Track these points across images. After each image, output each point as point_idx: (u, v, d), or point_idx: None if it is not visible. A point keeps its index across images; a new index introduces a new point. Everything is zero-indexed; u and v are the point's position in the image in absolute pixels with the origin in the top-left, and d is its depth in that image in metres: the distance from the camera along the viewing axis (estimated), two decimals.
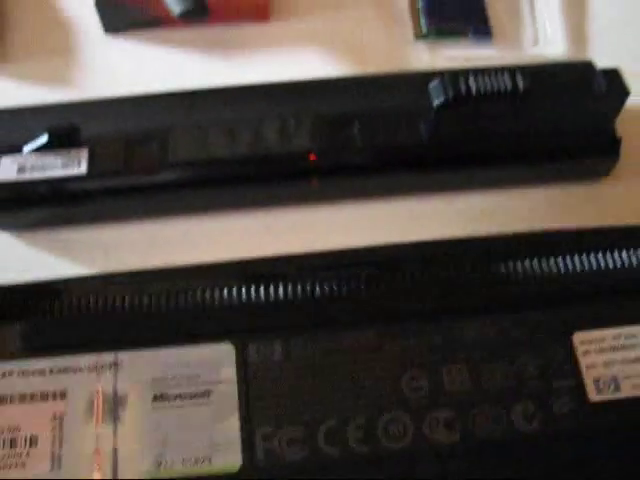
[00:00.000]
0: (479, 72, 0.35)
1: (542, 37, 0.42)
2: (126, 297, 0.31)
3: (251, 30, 0.43)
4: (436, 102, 0.35)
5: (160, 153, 0.37)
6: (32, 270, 0.35)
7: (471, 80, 0.34)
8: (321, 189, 0.38)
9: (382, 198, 0.39)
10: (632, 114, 0.39)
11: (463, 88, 0.34)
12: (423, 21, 0.42)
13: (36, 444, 0.29)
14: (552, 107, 0.36)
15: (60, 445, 0.29)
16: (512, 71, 0.35)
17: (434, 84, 0.35)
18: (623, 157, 0.38)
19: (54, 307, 0.31)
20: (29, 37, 0.43)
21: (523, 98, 0.35)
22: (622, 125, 0.38)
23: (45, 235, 0.38)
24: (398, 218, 0.38)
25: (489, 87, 0.34)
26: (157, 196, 0.37)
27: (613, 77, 0.36)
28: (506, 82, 0.35)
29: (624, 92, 0.36)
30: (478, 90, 0.34)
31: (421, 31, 0.42)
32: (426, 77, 0.36)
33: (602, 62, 0.37)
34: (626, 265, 0.33)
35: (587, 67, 0.37)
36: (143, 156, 0.37)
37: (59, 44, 0.43)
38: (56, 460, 0.29)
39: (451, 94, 0.34)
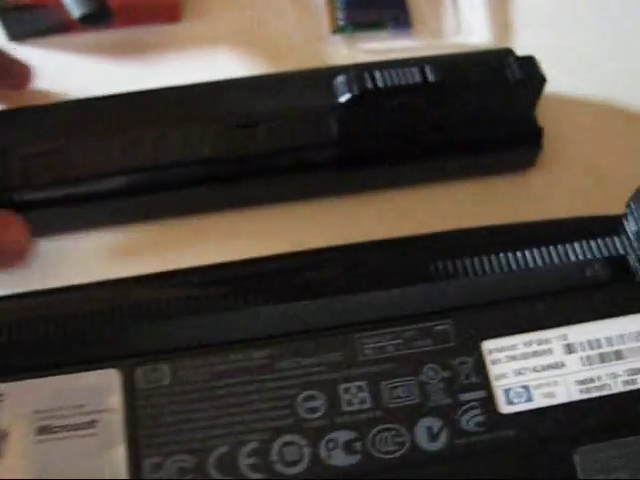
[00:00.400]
0: (386, 65, 0.33)
1: (464, 27, 0.40)
2: (3, 323, 0.29)
3: (162, 31, 0.41)
4: (342, 99, 0.33)
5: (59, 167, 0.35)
6: None
7: (377, 74, 0.33)
8: (227, 194, 0.36)
9: (296, 201, 0.37)
10: (555, 104, 0.37)
11: (369, 83, 0.33)
12: (340, 14, 0.40)
13: None
14: (467, 97, 0.34)
15: None
16: (421, 63, 0.33)
17: (339, 80, 0.33)
18: (548, 149, 0.36)
19: None
20: None
21: (435, 89, 0.33)
22: (545, 116, 0.36)
23: None
24: (306, 222, 0.36)
25: (396, 81, 0.33)
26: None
27: (529, 64, 0.34)
28: (415, 74, 0.33)
29: (541, 79, 0.34)
30: (385, 84, 0.33)
31: (338, 25, 0.40)
32: (335, 72, 0.34)
33: (525, 52, 0.35)
34: (538, 265, 0.31)
35: (503, 55, 0.35)
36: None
37: None
38: None
39: (357, 90, 0.33)
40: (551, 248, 0.31)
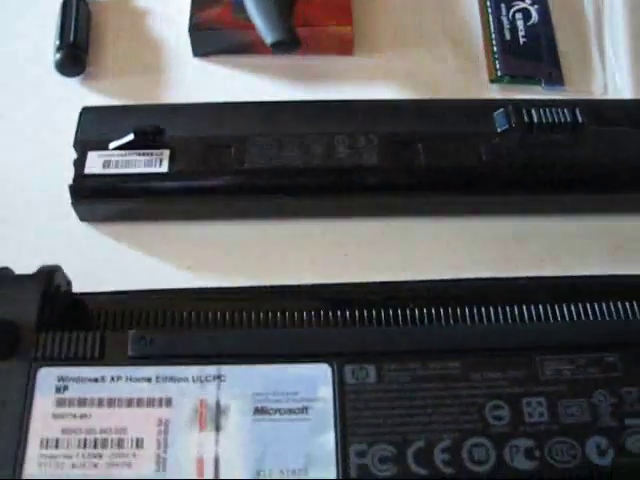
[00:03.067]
0: (542, 103, 0.37)
1: (611, 86, 0.45)
2: (235, 313, 0.33)
3: (335, 61, 0.45)
4: (499, 129, 0.37)
5: (237, 158, 0.39)
6: (110, 261, 0.38)
7: (534, 111, 0.37)
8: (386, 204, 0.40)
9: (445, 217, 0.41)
10: None
11: (526, 117, 0.37)
12: (498, 65, 0.45)
13: (142, 446, 0.31)
14: (609, 139, 0.38)
15: (165, 448, 0.31)
16: (573, 104, 0.37)
17: (499, 112, 0.37)
18: None
19: (166, 317, 0.33)
20: (121, 56, 0.46)
21: (581, 131, 0.37)
22: None
23: (123, 228, 0.40)
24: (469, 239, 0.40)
25: (550, 119, 0.37)
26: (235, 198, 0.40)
27: None
28: (566, 114, 0.37)
29: None
30: (540, 120, 0.37)
31: (495, 74, 0.45)
32: (494, 106, 0.38)
33: None
34: None
35: None
36: (221, 159, 0.39)
37: (150, 64, 0.46)
38: (161, 462, 0.31)
39: (514, 122, 0.37)
40: None
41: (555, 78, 0.45)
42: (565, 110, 0.38)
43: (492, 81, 0.45)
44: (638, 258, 0.40)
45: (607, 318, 0.34)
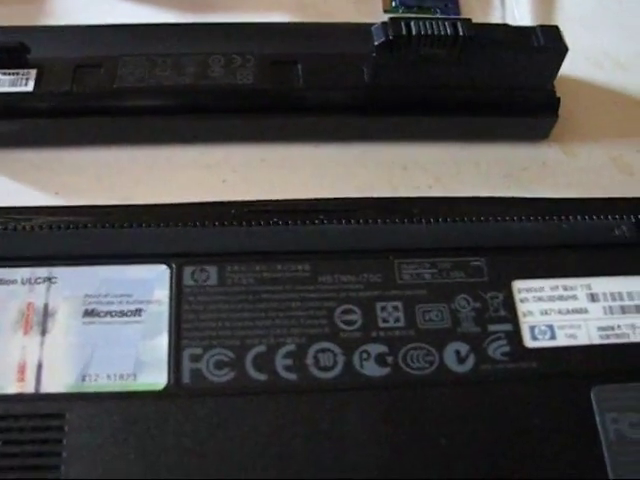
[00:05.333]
0: (423, 19, 0.36)
1: (510, 20, 0.43)
2: (67, 214, 0.31)
3: None
4: (377, 42, 0.35)
5: (107, 78, 0.37)
6: None
7: (413, 24, 0.35)
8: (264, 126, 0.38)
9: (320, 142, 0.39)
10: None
11: (404, 30, 0.35)
12: None
13: None
14: (491, 57, 0.36)
15: None
16: (454, 20, 0.36)
17: (376, 26, 0.35)
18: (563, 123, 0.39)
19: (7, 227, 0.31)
20: None
21: (463, 46, 0.35)
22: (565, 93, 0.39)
23: None
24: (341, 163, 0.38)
25: (430, 31, 0.35)
26: (104, 121, 0.37)
27: (553, 32, 0.37)
28: (447, 27, 0.35)
29: (563, 48, 0.36)
30: (419, 33, 0.35)
31: (390, 5, 0.43)
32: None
33: None
34: (571, 219, 0.33)
35: (532, 28, 0.37)
36: (91, 79, 0.37)
37: None
38: None
39: (391, 34, 0.35)
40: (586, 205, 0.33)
41: (451, 10, 0.43)
42: (447, 24, 0.36)
43: (386, 11, 0.43)
44: (527, 186, 0.38)
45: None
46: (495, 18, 0.44)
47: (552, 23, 0.42)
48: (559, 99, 0.38)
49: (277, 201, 0.34)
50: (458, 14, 0.43)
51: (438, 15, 0.43)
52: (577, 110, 0.40)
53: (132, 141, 0.39)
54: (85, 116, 0.38)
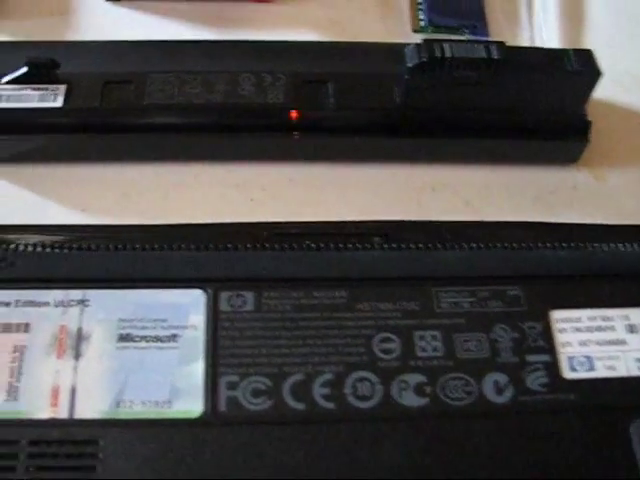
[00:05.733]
0: (456, 41, 0.35)
1: (538, 41, 0.43)
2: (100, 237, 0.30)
3: (251, 9, 0.43)
4: (410, 64, 0.35)
5: (136, 95, 0.37)
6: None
7: (446, 46, 0.35)
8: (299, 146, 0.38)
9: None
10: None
11: (437, 52, 0.35)
12: (422, 15, 0.43)
13: None
14: (524, 81, 0.36)
15: (18, 377, 0.28)
16: (487, 43, 0.35)
17: (409, 47, 0.35)
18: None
19: (27, 240, 0.30)
20: None
21: (496, 69, 0.35)
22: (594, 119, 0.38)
23: (15, 169, 0.38)
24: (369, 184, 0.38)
25: (463, 54, 0.35)
26: (132, 137, 0.37)
27: (586, 56, 0.36)
28: (481, 51, 0.35)
29: (596, 72, 0.36)
30: (452, 55, 0.35)
31: (419, 25, 0.43)
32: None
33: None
34: (609, 249, 0.32)
35: (565, 51, 0.37)
36: (120, 96, 0.37)
37: (57, 6, 0.44)
38: (12, 391, 0.28)
39: (425, 56, 0.34)
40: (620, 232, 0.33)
41: (479, 31, 0.43)
42: (480, 47, 0.35)
43: (415, 31, 0.43)
44: (557, 210, 0.38)
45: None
46: (523, 38, 0.43)
47: (580, 44, 0.42)
48: (590, 123, 0.38)
49: (307, 223, 0.34)
50: (486, 34, 0.43)
51: (467, 35, 0.42)
52: (607, 134, 0.40)
53: (160, 158, 0.39)
54: (113, 132, 0.37)
